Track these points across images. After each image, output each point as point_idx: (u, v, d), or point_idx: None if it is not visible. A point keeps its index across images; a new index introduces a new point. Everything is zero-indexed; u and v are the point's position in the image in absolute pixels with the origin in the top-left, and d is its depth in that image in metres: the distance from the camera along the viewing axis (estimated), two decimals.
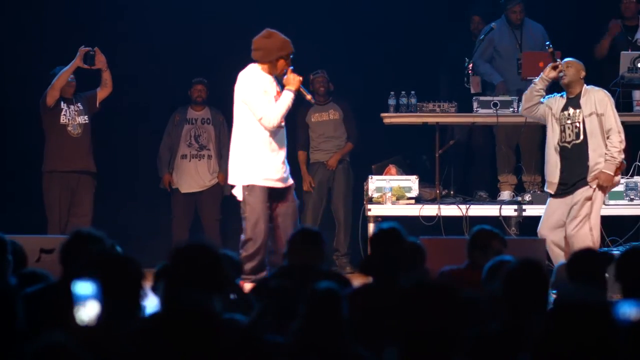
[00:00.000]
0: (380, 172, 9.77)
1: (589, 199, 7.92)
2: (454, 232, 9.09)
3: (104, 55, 9.39)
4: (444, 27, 10.63)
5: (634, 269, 4.37)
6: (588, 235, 7.85)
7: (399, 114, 9.66)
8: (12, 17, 10.48)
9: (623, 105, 9.23)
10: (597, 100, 8.00)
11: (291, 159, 8.35)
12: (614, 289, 4.75)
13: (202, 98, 10.32)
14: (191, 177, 10.21)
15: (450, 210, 9.42)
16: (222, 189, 10.13)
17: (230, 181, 7.88)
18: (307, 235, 5.26)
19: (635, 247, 4.53)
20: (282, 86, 7.78)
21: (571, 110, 8.05)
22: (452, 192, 9.93)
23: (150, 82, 10.55)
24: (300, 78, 7.77)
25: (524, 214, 9.39)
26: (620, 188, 9.27)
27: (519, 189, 9.94)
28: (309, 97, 7.97)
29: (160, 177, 10.31)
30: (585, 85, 8.08)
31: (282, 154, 7.77)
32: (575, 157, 8.00)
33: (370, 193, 9.54)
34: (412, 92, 9.67)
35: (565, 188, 8.03)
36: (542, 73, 8.15)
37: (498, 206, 9.48)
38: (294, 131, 9.76)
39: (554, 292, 5.69)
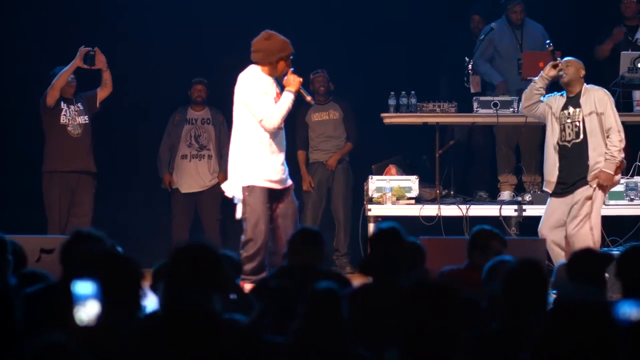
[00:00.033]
0: (380, 172, 9.77)
1: (589, 198, 7.92)
2: (454, 232, 9.09)
3: (104, 55, 9.39)
4: (444, 27, 10.63)
5: (634, 268, 4.37)
6: (589, 235, 7.86)
7: (399, 114, 9.66)
8: (12, 17, 10.48)
9: (623, 105, 9.23)
10: (596, 100, 8.01)
11: (291, 159, 8.35)
12: (614, 289, 4.75)
13: (202, 98, 10.32)
14: (191, 177, 10.21)
15: (451, 210, 9.42)
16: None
17: (229, 182, 7.87)
18: (307, 235, 5.26)
19: (635, 246, 4.53)
20: (282, 87, 7.78)
21: (571, 110, 8.05)
22: (452, 192, 9.92)
23: (150, 82, 10.55)
24: (301, 79, 7.76)
25: (524, 214, 9.39)
26: (620, 188, 9.27)
27: (519, 189, 9.94)
28: (308, 98, 7.97)
29: (161, 178, 10.31)
30: (585, 84, 8.09)
31: (282, 155, 7.78)
32: (575, 156, 8.01)
33: (370, 193, 9.54)
34: (412, 92, 9.67)
35: (565, 187, 8.04)
36: (542, 72, 8.15)
37: (498, 206, 9.48)
38: (293, 131, 9.75)
39: (554, 292, 5.70)
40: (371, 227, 9.25)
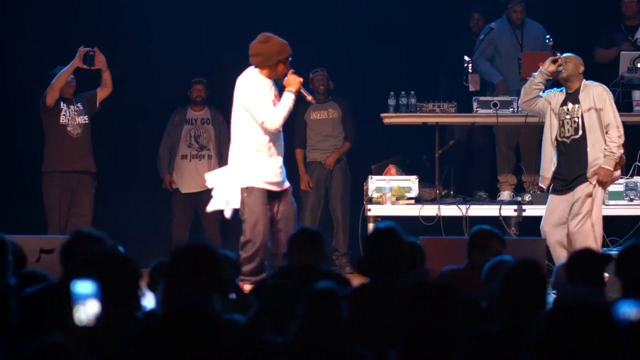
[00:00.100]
0: (380, 172, 9.77)
1: (590, 195, 7.94)
2: (453, 232, 9.09)
3: (104, 55, 9.40)
4: (444, 27, 10.63)
5: (633, 266, 4.37)
6: (590, 232, 7.88)
7: (399, 114, 9.66)
8: (12, 17, 10.48)
9: (623, 105, 9.23)
10: (595, 95, 8.02)
11: (289, 158, 8.35)
12: (614, 289, 4.75)
13: (202, 98, 10.32)
14: (191, 177, 10.20)
15: (450, 210, 9.42)
16: None
17: (216, 173, 7.90)
18: (307, 235, 5.26)
19: (635, 245, 4.53)
20: (280, 89, 7.78)
21: (570, 105, 8.07)
22: (452, 192, 9.93)
23: (150, 82, 10.55)
24: (301, 79, 7.77)
25: (524, 214, 9.39)
26: (620, 188, 9.28)
27: (519, 189, 9.94)
28: (309, 98, 7.98)
29: (161, 178, 10.31)
30: (584, 80, 8.11)
31: (280, 158, 7.79)
32: (574, 152, 8.03)
33: (370, 193, 9.54)
34: (412, 92, 9.67)
35: (565, 184, 8.05)
36: (541, 67, 8.17)
37: (498, 206, 9.48)
38: (292, 129, 9.75)
39: (553, 292, 5.70)
40: (371, 227, 9.25)
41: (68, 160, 9.39)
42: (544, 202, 8.70)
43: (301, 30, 9.86)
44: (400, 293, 3.24)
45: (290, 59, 7.71)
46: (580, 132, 8.02)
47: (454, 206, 9.45)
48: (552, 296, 5.84)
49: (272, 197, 7.73)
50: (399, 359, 3.13)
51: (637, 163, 9.44)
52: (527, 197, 9.49)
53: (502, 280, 3.96)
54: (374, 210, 9.43)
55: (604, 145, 7.96)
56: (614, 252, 7.27)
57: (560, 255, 7.81)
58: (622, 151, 8.03)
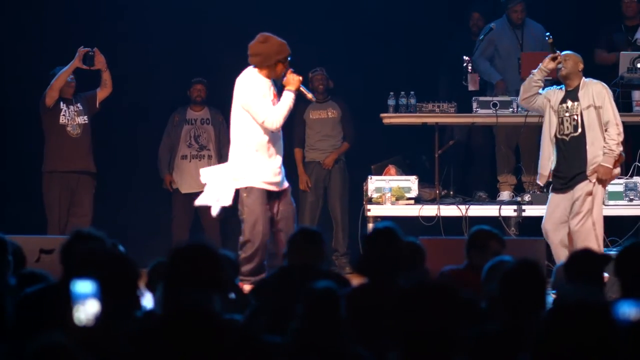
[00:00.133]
0: (379, 173, 9.77)
1: (590, 194, 7.96)
2: (453, 233, 9.09)
3: (104, 55, 9.40)
4: (444, 27, 10.63)
5: (633, 265, 4.37)
6: (591, 231, 7.90)
7: (399, 114, 9.66)
8: (12, 17, 10.47)
9: (623, 105, 9.23)
10: (595, 93, 8.04)
11: (288, 157, 8.35)
12: (614, 289, 4.75)
13: (202, 97, 10.32)
14: (192, 178, 10.19)
15: (450, 210, 9.42)
16: None
17: (213, 170, 7.91)
18: (307, 235, 5.26)
19: (634, 244, 4.53)
20: (280, 89, 7.78)
21: (569, 103, 8.08)
22: (451, 193, 9.93)
23: (150, 82, 10.55)
24: (300, 78, 7.77)
25: (524, 214, 9.39)
26: (619, 188, 9.28)
27: (519, 190, 9.94)
28: (309, 96, 7.98)
29: (162, 178, 10.31)
30: (583, 78, 8.12)
31: (279, 158, 7.79)
32: (573, 149, 8.04)
33: (369, 193, 9.54)
34: (412, 92, 9.67)
35: (565, 182, 8.06)
36: (540, 64, 8.19)
37: (497, 206, 9.48)
38: (291, 128, 9.75)
39: (553, 292, 5.70)
40: (370, 227, 9.25)
41: (68, 161, 9.39)
42: (543, 203, 8.70)
43: (301, 30, 9.86)
44: (400, 293, 3.24)
45: (289, 58, 7.71)
46: (580, 130, 8.04)
47: (454, 206, 9.45)
48: (552, 296, 5.85)
49: (271, 197, 7.74)
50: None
51: (636, 163, 9.44)
52: (526, 198, 9.49)
53: (501, 280, 3.96)
54: (373, 211, 9.43)
55: (603, 143, 7.98)
56: (613, 252, 7.28)
57: (562, 254, 7.82)
58: (621, 149, 8.04)
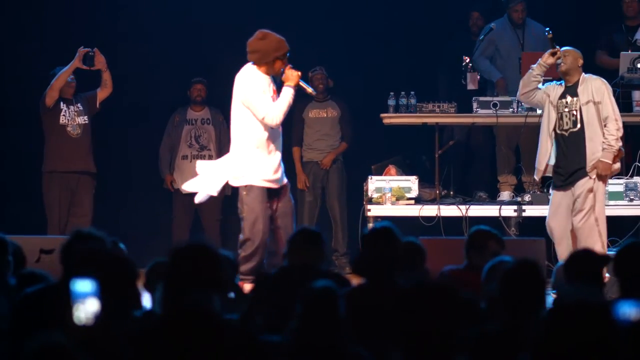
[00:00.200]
0: (380, 173, 9.77)
1: (591, 190, 7.97)
2: (453, 233, 9.09)
3: (104, 55, 9.40)
4: (444, 27, 10.63)
5: (631, 265, 4.37)
6: (594, 227, 7.92)
7: (399, 115, 9.66)
8: (12, 17, 10.48)
9: (623, 105, 9.22)
10: (594, 89, 8.05)
11: (286, 156, 8.35)
12: (613, 289, 4.75)
13: (202, 97, 10.32)
14: (192, 178, 10.18)
15: (450, 210, 9.42)
16: (223, 190, 10.12)
17: (212, 164, 7.93)
18: (307, 235, 5.26)
19: (633, 244, 4.53)
20: (280, 85, 7.78)
21: (569, 98, 8.10)
22: (451, 193, 9.93)
23: (150, 82, 10.55)
24: (299, 73, 7.77)
25: (524, 214, 9.38)
26: (620, 188, 9.29)
27: (519, 190, 9.93)
28: (309, 90, 7.98)
29: (162, 178, 10.31)
30: (583, 73, 8.14)
31: (279, 154, 7.80)
32: (572, 145, 8.06)
33: (370, 193, 9.54)
34: (412, 92, 9.67)
35: (565, 178, 8.08)
36: (540, 59, 8.20)
37: (498, 206, 9.48)
38: (290, 127, 9.74)
39: (553, 292, 5.70)
40: (368, 227, 9.25)
41: (68, 161, 9.40)
42: (543, 203, 8.71)
43: (301, 30, 9.85)
44: (400, 293, 3.24)
45: (288, 55, 7.72)
46: (579, 125, 8.05)
47: (454, 206, 9.45)
48: (552, 296, 5.85)
49: (270, 194, 7.74)
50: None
51: (637, 163, 9.44)
52: (527, 198, 9.49)
53: (500, 281, 3.96)
54: (373, 211, 9.43)
55: (602, 139, 7.99)
56: (613, 252, 7.28)
57: (566, 251, 7.82)
58: (620, 144, 8.05)
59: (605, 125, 8.01)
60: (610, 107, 8.03)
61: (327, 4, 10.70)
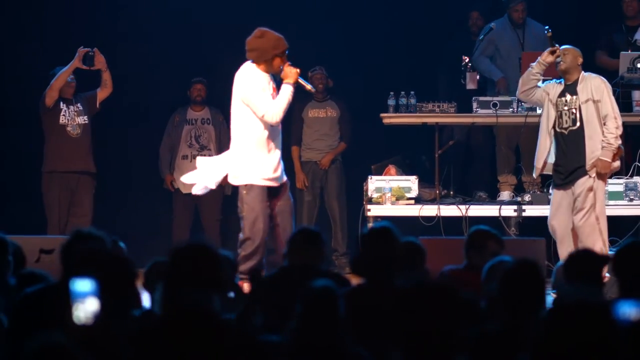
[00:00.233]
0: (379, 173, 9.77)
1: (591, 189, 7.97)
2: (453, 233, 9.08)
3: (104, 55, 9.40)
4: (444, 27, 10.63)
5: (631, 265, 4.37)
6: (595, 225, 7.92)
7: (399, 114, 9.66)
8: (12, 17, 10.47)
9: (623, 105, 9.22)
10: (593, 87, 8.05)
11: (285, 155, 8.35)
12: (613, 290, 4.75)
13: (202, 97, 10.32)
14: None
15: (450, 210, 9.42)
16: (223, 189, 10.13)
17: (214, 160, 7.94)
18: (307, 235, 5.26)
19: (632, 244, 4.53)
20: (279, 83, 7.79)
21: (568, 97, 8.11)
22: (451, 193, 9.92)
23: (150, 82, 10.55)
24: (298, 70, 7.77)
25: (524, 214, 9.39)
26: (619, 188, 9.29)
27: (519, 190, 9.93)
28: (308, 87, 7.98)
29: (162, 178, 10.31)
30: (582, 72, 8.14)
31: (278, 152, 7.81)
32: (572, 143, 8.06)
33: (369, 193, 9.54)
34: (412, 92, 9.67)
35: (564, 177, 8.08)
36: (539, 57, 8.21)
37: (498, 206, 9.48)
38: (289, 126, 9.74)
39: (553, 292, 5.70)
40: (369, 227, 9.23)
41: (68, 161, 9.40)
42: (543, 203, 8.71)
43: (301, 30, 9.86)
44: (400, 293, 3.24)
45: (287, 52, 7.72)
46: (578, 124, 8.06)
47: (454, 206, 9.45)
48: (552, 296, 5.85)
49: (270, 192, 7.75)
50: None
51: (636, 163, 9.44)
52: (527, 198, 9.49)
53: (500, 280, 3.96)
54: (373, 211, 9.43)
55: (602, 137, 8.00)
56: (613, 252, 7.29)
57: (567, 250, 7.82)
58: (619, 142, 8.05)
59: (604, 124, 8.02)
60: (609, 105, 8.04)
61: (327, 3, 10.70)
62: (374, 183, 9.55)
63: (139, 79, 10.49)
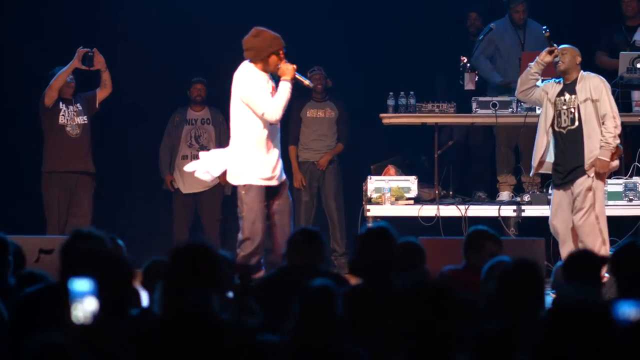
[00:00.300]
0: (379, 173, 9.77)
1: (589, 189, 7.98)
2: (453, 233, 9.08)
3: (104, 55, 9.40)
4: (444, 27, 10.63)
5: (628, 265, 4.37)
6: (595, 225, 7.93)
7: (398, 115, 9.67)
8: (12, 17, 10.48)
9: (622, 105, 9.22)
10: (592, 87, 8.06)
11: (282, 154, 8.35)
12: (612, 290, 4.75)
13: (202, 97, 10.32)
14: (192, 178, 10.09)
15: (449, 210, 9.42)
16: (222, 189, 10.15)
17: (215, 156, 7.96)
18: (306, 235, 5.27)
19: (630, 244, 4.54)
20: (277, 82, 7.79)
21: (567, 96, 8.11)
22: (451, 193, 9.93)
23: (150, 82, 10.55)
24: (295, 66, 7.77)
25: (523, 214, 9.39)
26: (619, 189, 9.29)
27: (518, 190, 9.94)
28: (306, 82, 7.99)
29: (162, 179, 10.31)
30: (582, 71, 8.15)
31: (277, 152, 7.82)
32: (571, 143, 8.07)
33: (369, 193, 9.54)
34: (411, 92, 9.68)
35: (563, 176, 8.09)
36: (537, 57, 8.22)
37: (497, 207, 9.48)
38: (286, 125, 9.73)
39: (552, 292, 5.70)
40: (365, 227, 9.22)
41: (67, 161, 9.40)
42: (543, 203, 8.71)
43: (300, 30, 9.86)
44: (399, 293, 3.24)
45: (284, 50, 7.73)
46: (577, 123, 8.06)
47: (453, 206, 9.45)
48: (551, 296, 5.85)
49: (270, 192, 7.76)
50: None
51: (636, 163, 9.44)
52: (526, 198, 9.49)
53: (498, 280, 3.96)
54: (373, 211, 9.43)
55: (600, 136, 8.00)
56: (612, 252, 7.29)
57: (569, 250, 7.83)
58: (618, 141, 8.05)
59: (603, 123, 8.02)
60: (608, 104, 8.04)
61: (326, 3, 10.70)
62: (373, 183, 9.56)
63: (139, 79, 10.49)
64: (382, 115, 9.68)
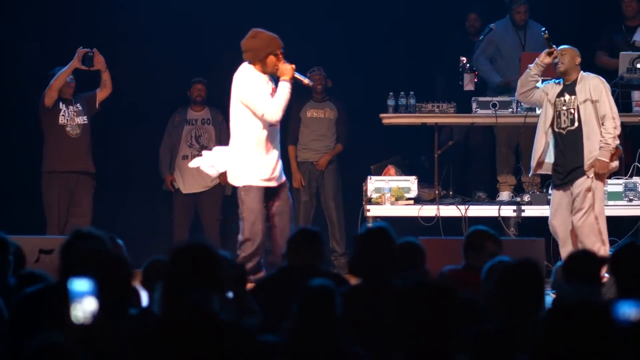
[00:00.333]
0: (379, 173, 9.77)
1: (589, 189, 7.99)
2: (452, 233, 9.09)
3: (104, 55, 9.40)
4: (444, 27, 10.63)
5: (628, 265, 4.37)
6: (594, 225, 7.94)
7: (398, 115, 9.67)
8: (12, 17, 10.48)
9: (622, 105, 9.23)
10: (591, 87, 8.07)
11: (281, 154, 8.36)
12: (612, 290, 4.75)
13: (202, 97, 10.32)
14: (193, 178, 10.19)
15: (449, 210, 9.42)
16: (223, 190, 10.15)
17: (219, 156, 7.97)
18: (306, 235, 5.27)
19: (629, 244, 4.54)
20: (277, 82, 7.80)
21: (567, 97, 8.12)
22: (451, 193, 9.93)
23: (150, 82, 10.55)
24: (293, 66, 7.78)
25: (523, 214, 9.39)
26: (619, 189, 9.29)
27: (518, 190, 9.94)
28: (306, 81, 7.99)
29: (162, 179, 10.31)
30: (581, 72, 8.16)
31: (277, 152, 7.83)
32: (570, 143, 8.08)
33: (369, 194, 9.54)
34: (411, 92, 9.68)
35: (563, 177, 8.10)
36: (537, 59, 8.23)
37: (497, 207, 9.48)
38: (286, 125, 9.73)
39: (552, 292, 5.70)
40: (364, 228, 9.22)
41: (67, 161, 9.40)
42: (543, 203, 8.70)
43: (300, 30, 9.86)
44: (399, 293, 3.24)
45: (282, 51, 7.73)
46: (577, 124, 8.07)
47: (453, 206, 9.45)
48: (551, 296, 5.85)
49: (269, 192, 7.76)
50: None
51: (636, 164, 9.44)
52: (526, 198, 9.49)
53: (497, 280, 3.96)
54: (373, 211, 9.43)
55: (600, 137, 8.01)
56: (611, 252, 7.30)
57: (568, 250, 7.84)
58: (618, 142, 8.06)
59: (602, 124, 8.03)
60: (607, 105, 8.05)
61: (326, 3, 10.70)
62: (373, 183, 9.56)
63: (139, 79, 10.49)
64: (382, 115, 9.68)
